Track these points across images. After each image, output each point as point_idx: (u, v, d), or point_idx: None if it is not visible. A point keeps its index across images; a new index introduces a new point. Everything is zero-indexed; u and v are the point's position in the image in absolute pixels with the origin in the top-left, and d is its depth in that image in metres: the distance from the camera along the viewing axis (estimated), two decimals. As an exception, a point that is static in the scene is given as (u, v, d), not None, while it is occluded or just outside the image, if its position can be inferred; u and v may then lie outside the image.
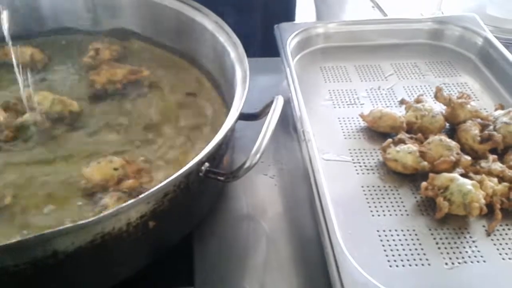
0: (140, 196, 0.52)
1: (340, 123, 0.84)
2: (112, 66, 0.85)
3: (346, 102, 0.88)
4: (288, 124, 0.88)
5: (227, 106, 0.82)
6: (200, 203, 0.68)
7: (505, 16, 1.77)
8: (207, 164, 0.61)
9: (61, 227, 0.47)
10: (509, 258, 0.62)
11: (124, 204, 0.51)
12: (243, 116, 0.71)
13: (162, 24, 0.91)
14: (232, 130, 0.67)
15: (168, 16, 0.89)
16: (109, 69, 0.84)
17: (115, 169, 0.67)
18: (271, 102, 0.69)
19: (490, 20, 1.76)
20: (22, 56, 0.85)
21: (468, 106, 0.79)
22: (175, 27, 0.89)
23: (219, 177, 0.62)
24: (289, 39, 0.95)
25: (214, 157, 0.64)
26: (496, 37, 1.71)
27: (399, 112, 0.81)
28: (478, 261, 0.62)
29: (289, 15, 1.21)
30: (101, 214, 0.50)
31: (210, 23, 0.83)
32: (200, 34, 0.85)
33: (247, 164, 0.60)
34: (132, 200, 0.52)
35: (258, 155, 0.60)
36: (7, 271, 0.48)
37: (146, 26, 0.93)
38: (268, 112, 0.68)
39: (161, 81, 0.87)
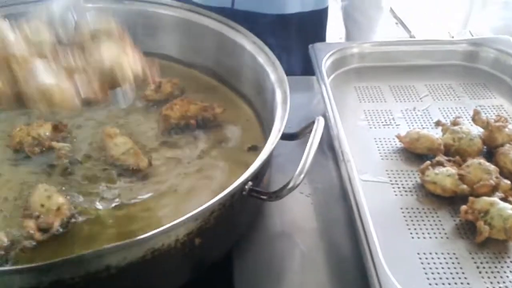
0: (189, 214, 0.54)
1: (377, 144, 0.84)
2: (186, 102, 0.85)
3: (382, 122, 0.89)
4: (322, 142, 0.89)
5: (263, 125, 0.85)
6: (241, 221, 0.69)
7: (533, 34, 1.77)
8: (250, 183, 0.62)
9: (117, 243, 0.49)
10: (551, 284, 0.62)
11: (174, 222, 0.53)
12: (283, 136, 0.72)
13: (202, 44, 0.93)
14: (273, 150, 0.68)
15: (208, 36, 0.92)
16: (183, 105, 0.84)
17: None
18: (312, 123, 0.70)
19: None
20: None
21: (506, 129, 0.79)
22: (215, 48, 0.91)
23: (262, 196, 0.63)
24: (324, 59, 0.97)
25: (257, 176, 0.65)
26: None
27: (436, 134, 0.82)
28: (519, 286, 0.62)
29: (320, 36, 1.23)
30: (153, 231, 0.51)
31: (250, 44, 0.85)
32: (239, 55, 0.87)
33: (290, 185, 0.61)
34: (182, 218, 0.53)
35: (301, 176, 0.61)
36: (63, 283, 0.50)
37: (185, 46, 0.95)
38: (308, 132, 0.70)
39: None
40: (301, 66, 1.14)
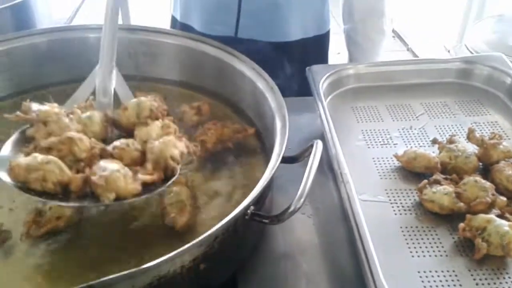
0: (194, 241, 0.56)
1: (375, 163, 0.86)
2: (219, 125, 0.84)
3: (380, 142, 0.91)
4: (322, 163, 0.90)
5: (263, 146, 0.87)
6: (244, 244, 0.71)
7: (527, 46, 1.80)
8: (252, 207, 0.64)
9: (125, 272, 0.51)
10: (550, 299, 0.63)
11: (180, 249, 0.55)
12: (282, 160, 0.74)
13: (201, 71, 0.96)
14: (274, 174, 0.70)
15: (208, 62, 0.94)
16: (216, 129, 0.83)
17: None
18: (311, 146, 0.72)
19: (513, 52, 1.79)
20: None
21: (501, 146, 0.81)
22: (215, 74, 0.94)
23: (264, 220, 0.65)
24: (321, 80, 0.99)
25: (259, 200, 0.67)
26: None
27: (433, 152, 0.84)
28: (518, 302, 0.63)
29: (322, 59, 1.26)
30: (160, 259, 0.53)
31: (249, 70, 0.88)
32: (238, 81, 0.89)
33: (291, 209, 0.63)
34: (187, 245, 0.55)
35: (302, 200, 0.63)
36: (73, 312, 0.52)
37: (186, 73, 0.98)
38: (307, 155, 0.72)
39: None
40: (304, 91, 1.17)
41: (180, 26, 1.24)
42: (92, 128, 0.72)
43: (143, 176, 0.65)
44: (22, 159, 0.64)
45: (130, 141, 0.70)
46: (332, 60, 1.36)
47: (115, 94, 0.82)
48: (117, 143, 0.69)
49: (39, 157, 0.64)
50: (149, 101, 0.74)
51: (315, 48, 1.22)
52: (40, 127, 0.70)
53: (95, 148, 0.67)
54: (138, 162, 0.69)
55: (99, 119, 0.74)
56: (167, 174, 0.68)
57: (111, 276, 0.50)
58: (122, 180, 0.63)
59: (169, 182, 0.67)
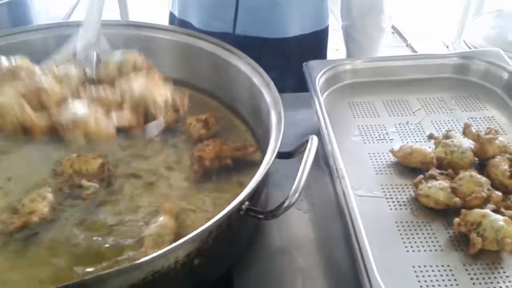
0: (188, 236, 0.56)
1: (371, 159, 0.86)
2: (218, 142, 0.83)
3: (376, 137, 0.91)
4: (318, 158, 0.91)
5: (258, 142, 0.87)
6: (239, 239, 0.71)
7: (526, 42, 1.80)
8: (247, 203, 0.64)
9: (119, 267, 0.51)
10: (544, 294, 0.64)
11: (174, 244, 0.55)
12: (278, 155, 0.74)
13: (198, 66, 0.96)
14: (268, 169, 0.70)
15: (204, 58, 0.94)
16: (215, 146, 0.82)
17: None
18: (306, 142, 0.72)
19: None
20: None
21: (497, 141, 0.81)
22: (211, 70, 0.94)
23: (259, 216, 0.65)
24: (318, 76, 0.99)
25: (254, 195, 0.67)
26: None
27: (429, 148, 0.84)
28: (513, 297, 0.63)
29: (320, 55, 1.26)
30: (154, 254, 0.53)
31: (245, 65, 0.88)
32: (234, 76, 0.89)
33: (286, 204, 0.63)
34: (181, 240, 0.55)
35: (296, 195, 0.63)
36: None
37: (182, 69, 0.98)
38: (302, 150, 0.72)
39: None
40: (302, 87, 1.16)
41: (178, 23, 1.24)
42: (68, 83, 0.68)
43: (118, 119, 0.61)
44: None
45: (108, 90, 0.66)
46: (330, 56, 1.36)
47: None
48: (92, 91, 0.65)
49: None
50: (132, 54, 0.70)
51: (313, 44, 1.21)
52: (8, 78, 0.66)
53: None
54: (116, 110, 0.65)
55: (76, 74, 0.69)
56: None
57: (105, 272, 0.50)
58: (92, 121, 0.59)
59: (151, 124, 0.64)
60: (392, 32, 3.61)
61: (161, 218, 0.70)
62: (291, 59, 1.02)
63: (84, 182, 0.75)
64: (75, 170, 0.77)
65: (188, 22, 1.21)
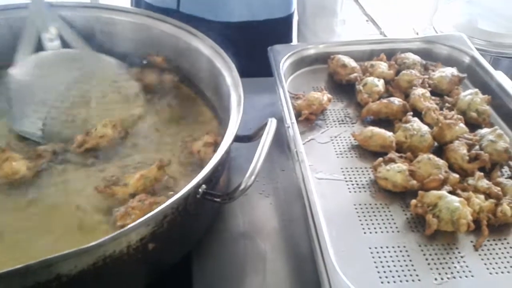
0: (140, 220, 0.55)
1: (333, 142, 0.86)
2: (148, 204, 0.71)
3: (338, 121, 0.91)
4: (282, 143, 0.90)
5: (221, 125, 0.85)
6: (198, 224, 0.70)
7: (495, 30, 1.82)
8: (204, 186, 0.63)
9: (64, 252, 0.49)
10: (496, 273, 0.65)
11: (125, 228, 0.54)
12: (237, 138, 0.73)
13: (159, 49, 0.94)
14: (227, 152, 0.70)
15: (165, 40, 0.92)
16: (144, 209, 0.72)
17: None
18: (265, 125, 0.72)
19: (481, 34, 1.81)
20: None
21: (456, 127, 0.82)
22: (173, 52, 0.92)
23: (215, 199, 0.64)
24: (282, 60, 0.98)
25: (211, 179, 0.66)
26: (486, 50, 1.76)
27: (390, 132, 0.84)
28: (466, 276, 0.64)
29: (286, 39, 1.25)
30: (103, 238, 0.52)
31: (206, 48, 0.86)
32: (196, 59, 0.88)
33: (242, 186, 0.63)
34: (132, 224, 0.54)
35: (252, 177, 0.63)
36: (13, 294, 0.50)
37: (144, 52, 0.96)
38: (262, 134, 0.71)
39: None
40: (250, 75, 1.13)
41: None
42: None
43: None
44: None
45: None
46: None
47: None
48: None
49: None
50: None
51: (265, 32, 1.18)
52: None
53: None
54: None
55: None
56: None
57: (49, 256, 0.49)
58: None
59: None
60: (366, 20, 3.63)
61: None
62: (238, 45, 0.99)
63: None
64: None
65: None
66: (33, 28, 0.89)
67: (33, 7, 0.89)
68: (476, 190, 0.73)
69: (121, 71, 0.90)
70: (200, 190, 0.63)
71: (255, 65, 1.10)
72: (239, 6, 1.14)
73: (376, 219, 0.72)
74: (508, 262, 0.66)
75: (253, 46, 1.04)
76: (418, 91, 0.91)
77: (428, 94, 0.91)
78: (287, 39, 1.24)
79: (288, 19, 1.23)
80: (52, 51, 0.90)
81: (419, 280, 0.64)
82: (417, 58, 1.01)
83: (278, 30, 1.21)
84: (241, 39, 1.06)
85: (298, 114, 0.90)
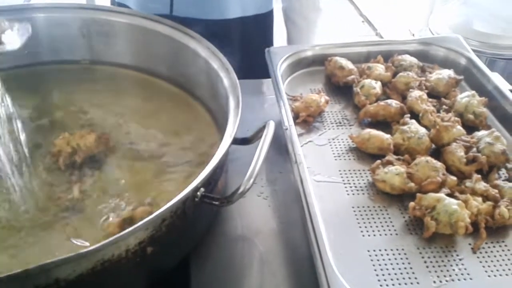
0: (139, 224, 0.55)
1: (330, 144, 0.86)
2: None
3: (336, 123, 0.91)
4: (280, 145, 0.90)
5: (219, 128, 0.85)
6: (196, 227, 0.70)
7: (491, 31, 1.83)
8: (202, 189, 0.63)
9: (63, 257, 0.49)
10: (494, 275, 0.65)
11: (123, 232, 0.53)
12: (236, 141, 0.73)
13: (155, 51, 0.93)
14: (225, 155, 0.70)
15: (161, 42, 0.92)
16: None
17: None
18: (263, 127, 0.72)
19: (476, 35, 1.82)
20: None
21: (454, 130, 0.82)
22: (168, 54, 0.92)
23: (214, 202, 0.64)
24: (280, 62, 0.98)
25: (209, 182, 0.66)
26: (482, 52, 1.77)
27: (387, 134, 0.84)
28: (465, 279, 0.64)
29: (266, 39, 1.25)
30: (102, 243, 0.52)
31: (203, 50, 0.86)
32: (193, 61, 0.88)
33: (241, 190, 0.62)
34: (131, 228, 0.54)
35: (251, 181, 0.63)
36: (11, 299, 0.50)
37: (140, 53, 0.95)
38: (260, 136, 0.71)
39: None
40: (248, 71, 1.12)
41: (117, 5, 1.21)
42: None
43: None
44: None
45: None
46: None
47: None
48: None
49: None
50: None
51: (258, 28, 1.19)
52: None
53: None
54: None
55: None
56: None
57: (48, 261, 0.49)
58: None
59: None
60: (362, 21, 3.64)
61: None
62: (233, 43, 0.99)
63: None
64: (74, 148, 0.77)
65: (126, 6, 1.17)
66: None
67: None
68: (474, 193, 0.73)
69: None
70: (198, 193, 0.63)
71: (248, 60, 1.09)
72: (231, 2, 1.13)
73: (375, 222, 0.71)
74: (506, 264, 0.66)
75: (244, 43, 1.03)
76: (415, 93, 0.91)
77: (425, 96, 0.91)
78: (269, 36, 1.25)
79: (270, 15, 1.24)
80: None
81: (417, 282, 0.63)
82: (414, 60, 1.01)
83: (260, 26, 1.21)
84: (235, 37, 1.07)
85: (295, 116, 0.90)
